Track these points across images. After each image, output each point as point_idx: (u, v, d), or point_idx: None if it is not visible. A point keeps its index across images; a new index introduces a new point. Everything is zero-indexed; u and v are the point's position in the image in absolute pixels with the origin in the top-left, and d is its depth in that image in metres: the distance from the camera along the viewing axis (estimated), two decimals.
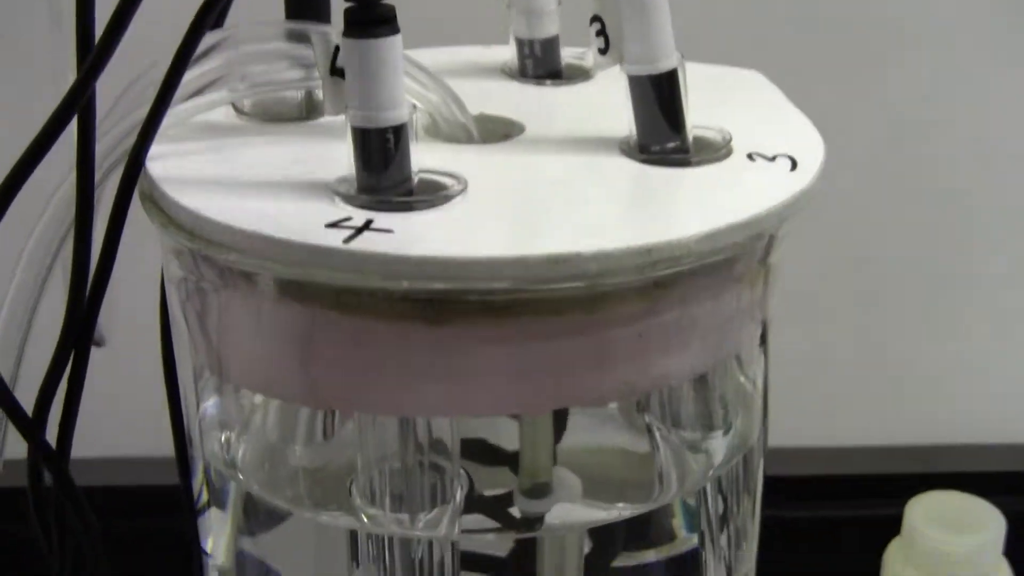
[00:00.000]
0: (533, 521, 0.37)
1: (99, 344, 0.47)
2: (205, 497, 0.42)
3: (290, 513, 0.41)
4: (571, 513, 0.37)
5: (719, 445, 0.38)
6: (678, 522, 0.41)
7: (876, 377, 0.76)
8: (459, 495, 0.35)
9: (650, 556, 0.41)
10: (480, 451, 0.38)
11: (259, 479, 0.38)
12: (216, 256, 0.30)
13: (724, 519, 0.40)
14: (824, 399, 0.75)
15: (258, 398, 0.40)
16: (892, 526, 0.63)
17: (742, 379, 0.38)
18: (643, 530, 0.41)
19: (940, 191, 0.71)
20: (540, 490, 0.37)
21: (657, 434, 0.38)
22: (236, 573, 0.43)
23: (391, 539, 0.37)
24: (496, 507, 0.37)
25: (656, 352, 0.31)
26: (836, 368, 0.75)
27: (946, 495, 0.63)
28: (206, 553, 0.43)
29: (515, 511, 0.37)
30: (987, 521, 0.61)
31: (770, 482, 0.71)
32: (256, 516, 0.42)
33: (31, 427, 0.34)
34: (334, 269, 0.29)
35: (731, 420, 0.38)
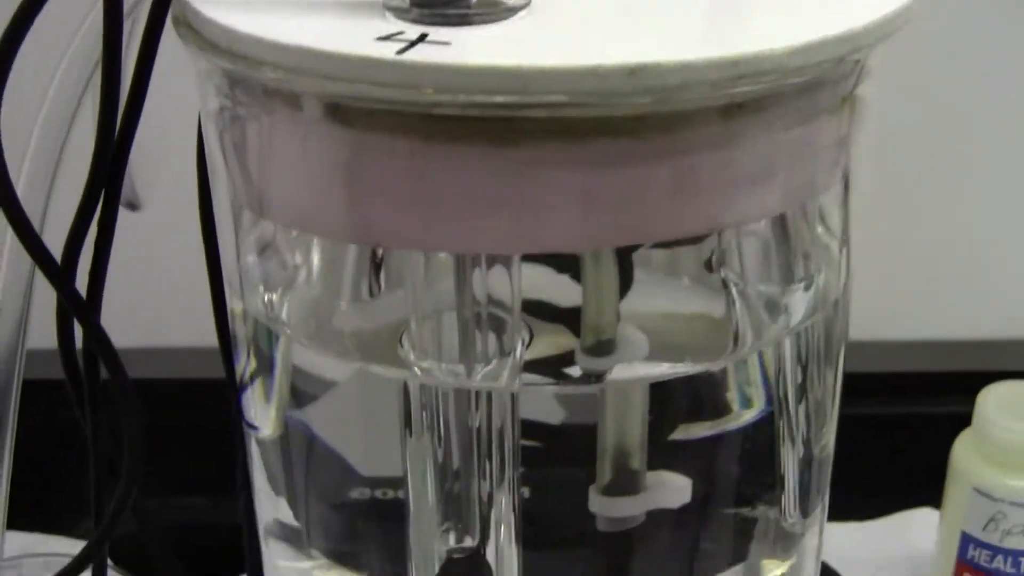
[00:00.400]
0: (595, 377, 0.34)
1: (135, 208, 0.45)
2: (252, 366, 0.40)
3: (336, 382, 0.39)
4: (636, 370, 0.34)
5: (799, 301, 0.35)
6: (753, 391, 0.38)
7: (948, 268, 0.73)
8: (520, 348, 0.33)
9: (719, 428, 0.39)
10: (536, 309, 0.36)
11: (306, 334, 0.36)
12: (256, 76, 0.28)
13: (802, 390, 0.38)
14: (894, 292, 0.72)
15: (299, 256, 0.37)
16: (963, 424, 0.60)
17: (823, 231, 0.35)
18: (713, 399, 0.39)
19: None
20: (603, 348, 0.34)
21: (733, 289, 0.35)
22: (281, 445, 0.41)
23: (446, 404, 0.34)
24: (555, 366, 0.34)
25: (738, 183, 0.28)
26: (907, 260, 0.72)
27: (1021, 384, 0.60)
28: (251, 426, 0.41)
29: (574, 371, 0.34)
30: None
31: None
32: (303, 384, 0.40)
33: (59, 274, 0.32)
34: (385, 84, 0.26)
35: (812, 274, 0.35)
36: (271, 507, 0.41)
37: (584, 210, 0.27)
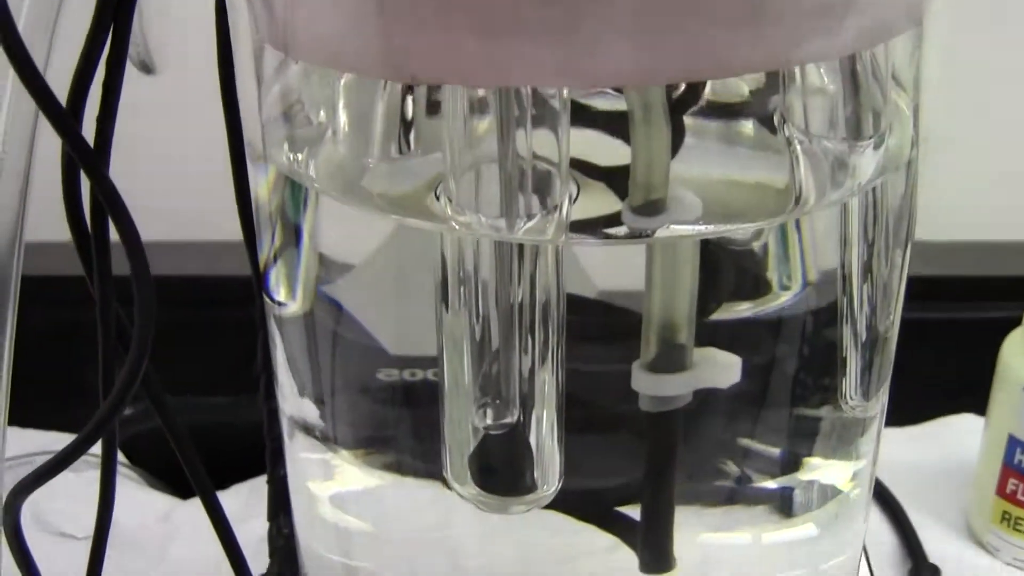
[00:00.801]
0: (644, 234, 0.31)
1: (149, 71, 0.42)
2: (278, 241, 0.37)
3: (366, 254, 0.37)
4: (688, 229, 0.31)
5: (868, 161, 0.32)
6: (808, 268, 0.36)
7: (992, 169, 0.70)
8: (566, 203, 0.30)
9: (773, 306, 0.36)
10: (580, 168, 0.33)
11: (336, 191, 0.33)
12: None
13: (867, 268, 0.35)
14: (946, 191, 0.69)
15: (325, 113, 0.34)
16: (1014, 328, 0.57)
17: (894, 88, 0.32)
18: (764, 276, 0.36)
19: None
20: (653, 207, 0.31)
21: (798, 147, 0.32)
22: (306, 325, 0.38)
23: (486, 269, 0.32)
24: (601, 226, 0.32)
25: (811, 13, 0.25)
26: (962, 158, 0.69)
27: None
28: (278, 303, 0.38)
29: (621, 231, 0.31)
30: None
31: None
32: (333, 256, 0.37)
33: (63, 116, 0.29)
34: None
35: (883, 132, 0.32)
36: (293, 398, 0.39)
37: (639, 39, 0.25)
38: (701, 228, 0.31)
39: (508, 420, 0.32)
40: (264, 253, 0.38)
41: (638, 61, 0.25)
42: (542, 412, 0.33)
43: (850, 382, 0.36)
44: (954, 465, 0.64)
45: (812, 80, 0.31)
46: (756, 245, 0.36)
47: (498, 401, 0.32)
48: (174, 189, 0.65)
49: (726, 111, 0.33)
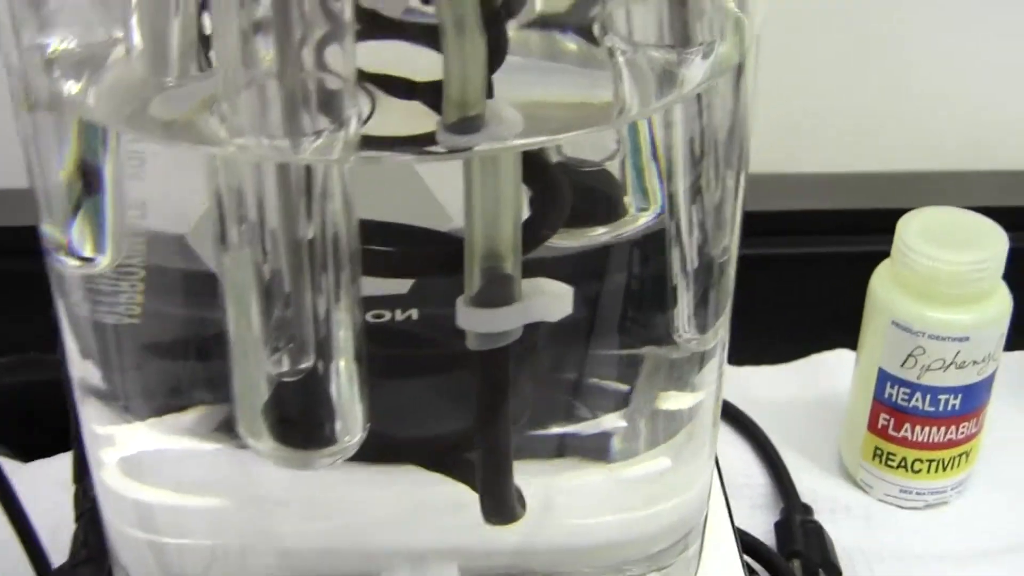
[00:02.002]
0: (457, 151, 0.29)
1: None
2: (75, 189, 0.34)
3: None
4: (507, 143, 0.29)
5: (696, 71, 0.30)
6: (648, 191, 0.34)
7: (861, 100, 0.68)
8: (354, 119, 0.27)
9: (605, 233, 0.34)
10: (389, 85, 0.30)
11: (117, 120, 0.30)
12: None
13: (696, 189, 0.33)
14: (805, 125, 0.68)
15: (107, 33, 0.32)
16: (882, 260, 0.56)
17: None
18: (594, 200, 0.34)
19: None
20: (469, 125, 0.29)
21: (620, 59, 0.30)
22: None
23: (268, 198, 0.29)
24: (413, 145, 0.29)
25: None
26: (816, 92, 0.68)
27: (943, 210, 0.56)
28: (84, 259, 0.35)
29: (437, 150, 0.29)
30: (987, 238, 0.54)
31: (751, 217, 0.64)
32: None
33: None
34: None
35: (713, 39, 0.30)
36: (78, 361, 0.36)
37: None
38: (519, 142, 0.29)
39: (305, 366, 0.30)
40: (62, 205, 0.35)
41: None
42: (339, 356, 0.30)
43: (681, 313, 0.34)
44: (828, 402, 0.63)
45: None
46: (611, 165, 0.34)
47: (292, 345, 0.30)
48: None
49: (547, 23, 0.31)
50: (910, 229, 0.54)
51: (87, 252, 0.35)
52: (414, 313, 0.34)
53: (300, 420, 0.31)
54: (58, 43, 0.31)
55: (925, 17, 0.67)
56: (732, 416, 0.62)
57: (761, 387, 0.65)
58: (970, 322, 0.54)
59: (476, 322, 0.32)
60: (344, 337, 0.30)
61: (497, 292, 0.32)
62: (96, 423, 0.36)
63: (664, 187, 0.33)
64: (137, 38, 0.31)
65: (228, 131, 0.27)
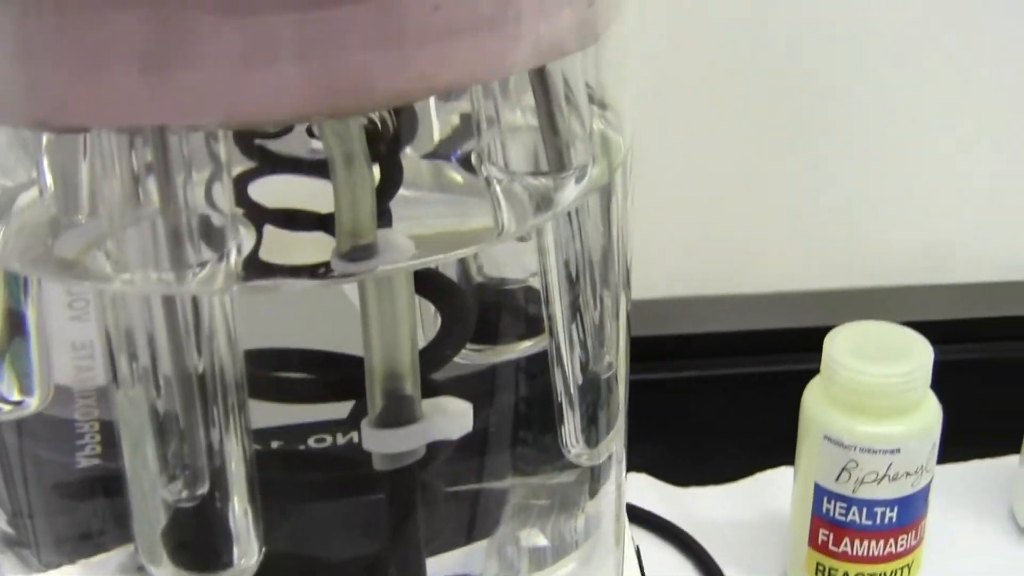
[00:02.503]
0: (348, 275, 0.30)
1: None
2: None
3: None
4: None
5: (570, 194, 0.32)
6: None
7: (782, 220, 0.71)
8: (235, 247, 0.29)
9: (496, 355, 0.36)
10: (292, 220, 0.32)
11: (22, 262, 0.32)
12: None
13: (575, 308, 0.34)
14: (728, 248, 0.70)
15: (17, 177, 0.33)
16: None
17: (599, 115, 0.32)
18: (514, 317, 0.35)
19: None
20: (363, 252, 0.30)
21: (497, 188, 0.32)
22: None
23: (156, 333, 0.30)
24: (307, 273, 0.31)
25: (458, 30, 0.25)
26: (740, 216, 0.70)
27: (869, 325, 0.57)
28: (11, 402, 0.36)
29: (331, 274, 0.30)
30: (913, 350, 0.56)
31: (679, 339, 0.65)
32: None
33: None
34: None
35: (586, 162, 0.31)
36: None
37: (255, 67, 0.24)
38: (409, 263, 0.30)
39: (200, 492, 0.31)
40: None
41: (256, 91, 0.24)
42: (231, 481, 0.31)
43: (568, 429, 0.35)
44: (774, 520, 0.64)
45: (508, 117, 0.31)
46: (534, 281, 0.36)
47: (187, 472, 0.31)
48: None
49: (431, 154, 0.32)
50: (836, 344, 0.56)
51: (14, 396, 0.36)
52: (355, 436, 0.35)
53: (197, 545, 0.31)
54: None
55: (842, 139, 0.70)
56: (678, 538, 0.62)
57: (707, 508, 0.65)
58: (900, 434, 0.55)
59: (379, 443, 0.34)
60: (236, 463, 0.31)
61: (398, 413, 0.33)
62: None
63: (544, 309, 0.34)
64: (49, 179, 0.33)
65: (114, 267, 0.28)
